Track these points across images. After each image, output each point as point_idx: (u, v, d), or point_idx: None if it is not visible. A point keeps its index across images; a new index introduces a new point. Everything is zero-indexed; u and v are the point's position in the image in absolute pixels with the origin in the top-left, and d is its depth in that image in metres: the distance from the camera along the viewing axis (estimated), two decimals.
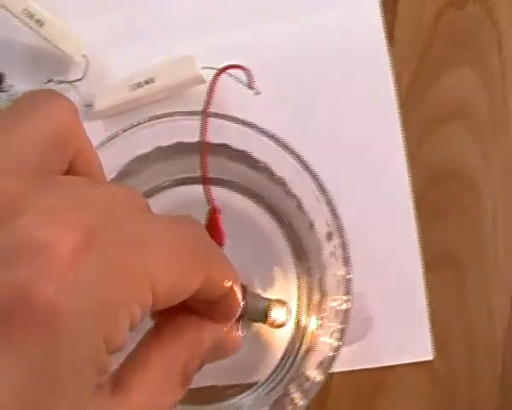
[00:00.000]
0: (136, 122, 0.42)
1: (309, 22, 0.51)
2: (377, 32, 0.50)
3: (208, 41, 0.51)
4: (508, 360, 0.45)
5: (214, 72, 0.45)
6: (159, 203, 0.46)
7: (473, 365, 0.45)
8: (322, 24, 0.50)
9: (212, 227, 0.42)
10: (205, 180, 0.41)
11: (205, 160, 0.40)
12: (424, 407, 0.45)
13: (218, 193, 0.42)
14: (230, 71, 0.45)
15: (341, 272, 0.38)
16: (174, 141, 0.44)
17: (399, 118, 0.48)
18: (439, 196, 0.46)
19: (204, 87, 0.48)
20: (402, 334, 0.45)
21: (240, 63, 0.44)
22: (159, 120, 0.42)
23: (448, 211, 0.46)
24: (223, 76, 0.44)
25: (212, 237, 0.39)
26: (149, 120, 0.42)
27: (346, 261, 0.39)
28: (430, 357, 0.45)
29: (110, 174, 0.44)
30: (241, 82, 0.45)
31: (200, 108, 0.43)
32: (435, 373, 0.45)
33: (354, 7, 0.51)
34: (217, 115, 0.40)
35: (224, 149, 0.42)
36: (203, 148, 0.40)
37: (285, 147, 0.40)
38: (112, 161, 0.42)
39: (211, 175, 0.41)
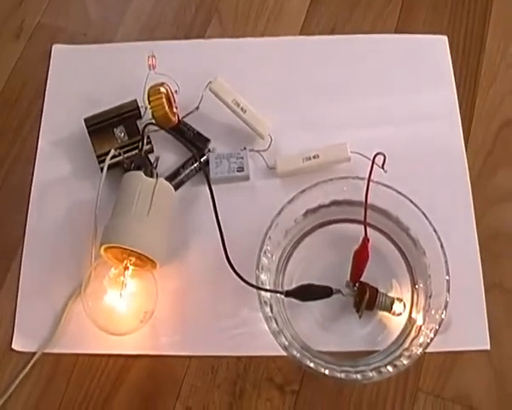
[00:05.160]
0: (322, 180, 0.69)
1: (412, 130, 0.79)
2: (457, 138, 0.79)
3: (350, 133, 0.78)
4: None
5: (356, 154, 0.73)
6: (322, 235, 0.73)
7: None
8: (422, 131, 0.79)
9: (363, 250, 0.69)
10: (365, 222, 0.67)
11: (365, 209, 0.67)
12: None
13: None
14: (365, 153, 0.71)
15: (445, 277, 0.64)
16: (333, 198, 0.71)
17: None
18: None
19: (347, 164, 0.76)
20: (465, 326, 0.70)
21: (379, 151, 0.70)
22: (332, 182, 0.69)
23: None
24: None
25: (362, 256, 0.66)
26: (330, 180, 0.69)
27: (447, 272, 0.65)
28: (483, 347, 0.70)
29: (299, 212, 0.70)
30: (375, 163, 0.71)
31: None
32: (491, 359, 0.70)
33: (443, 121, 0.80)
34: (376, 182, 0.67)
35: (371, 206, 0.69)
36: (365, 203, 0.67)
37: (414, 205, 0.68)
38: (304, 204, 0.69)
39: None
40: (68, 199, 0.78)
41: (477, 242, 0.74)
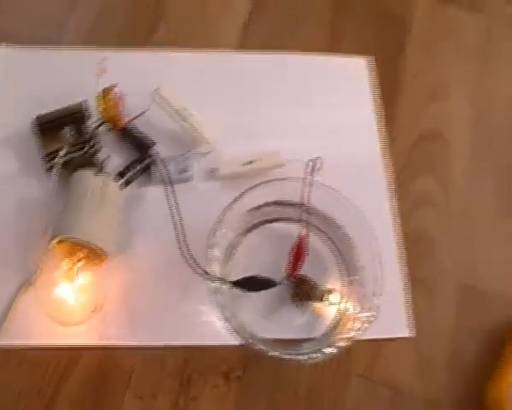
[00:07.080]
0: (260, 182, 0.76)
1: (337, 142, 0.88)
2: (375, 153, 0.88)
3: (284, 141, 0.86)
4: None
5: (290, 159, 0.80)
6: (260, 234, 0.79)
7: None
8: (341, 144, 0.88)
9: (301, 246, 0.76)
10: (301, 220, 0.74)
11: (302, 207, 0.74)
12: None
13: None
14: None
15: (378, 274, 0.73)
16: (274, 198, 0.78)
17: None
18: None
19: (281, 169, 0.83)
20: (391, 316, 0.78)
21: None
22: (271, 183, 0.76)
23: None
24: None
25: (298, 251, 0.73)
26: (268, 181, 0.75)
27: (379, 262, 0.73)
28: (407, 334, 0.79)
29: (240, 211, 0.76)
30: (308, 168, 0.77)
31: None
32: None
33: (361, 137, 0.90)
34: (309, 184, 0.74)
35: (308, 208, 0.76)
36: (302, 202, 0.74)
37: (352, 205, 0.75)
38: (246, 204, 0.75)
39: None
40: (12, 198, 0.80)
41: (401, 241, 0.83)
